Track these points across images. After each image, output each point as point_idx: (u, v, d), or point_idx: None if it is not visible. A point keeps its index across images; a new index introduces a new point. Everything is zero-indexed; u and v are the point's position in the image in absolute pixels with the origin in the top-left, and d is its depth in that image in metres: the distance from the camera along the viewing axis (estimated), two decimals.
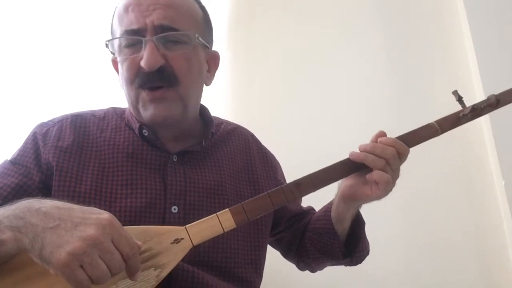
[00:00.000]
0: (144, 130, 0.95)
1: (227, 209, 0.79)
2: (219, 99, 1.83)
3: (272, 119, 1.80)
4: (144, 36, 0.89)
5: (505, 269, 1.52)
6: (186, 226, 0.77)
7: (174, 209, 0.90)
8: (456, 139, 1.64)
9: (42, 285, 0.69)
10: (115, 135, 0.97)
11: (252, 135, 1.15)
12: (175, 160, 0.95)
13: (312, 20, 1.87)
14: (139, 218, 0.87)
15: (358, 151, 0.89)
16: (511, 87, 1.49)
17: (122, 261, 0.64)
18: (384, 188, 0.86)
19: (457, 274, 1.54)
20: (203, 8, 1.02)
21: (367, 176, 0.87)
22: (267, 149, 1.16)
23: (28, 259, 0.67)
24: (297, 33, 1.87)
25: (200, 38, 0.95)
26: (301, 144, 1.72)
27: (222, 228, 0.78)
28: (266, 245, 1.05)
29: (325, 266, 1.11)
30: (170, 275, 0.78)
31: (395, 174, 0.88)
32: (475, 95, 1.59)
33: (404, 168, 1.61)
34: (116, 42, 0.94)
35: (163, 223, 0.88)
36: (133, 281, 0.70)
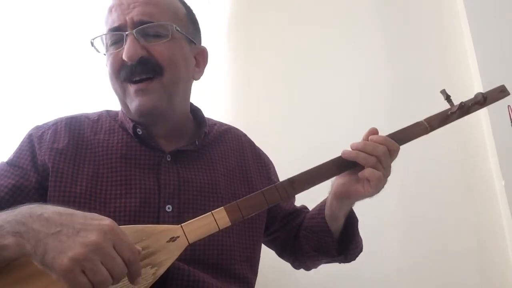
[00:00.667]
0: (138, 129, 0.96)
1: (222, 207, 0.80)
2: (219, 99, 1.84)
3: (272, 118, 1.80)
4: (125, 31, 0.92)
5: (505, 269, 1.51)
6: (181, 224, 0.78)
7: (168, 208, 0.91)
8: (456, 139, 1.64)
9: (38, 285, 0.69)
10: (109, 136, 0.98)
11: (245, 136, 1.17)
12: (168, 159, 0.96)
13: (312, 20, 1.87)
14: (134, 218, 0.88)
15: (350, 150, 0.90)
16: (506, 83, 1.51)
17: (123, 266, 0.65)
18: (376, 185, 0.88)
19: (457, 274, 1.54)
20: (186, 6, 1.04)
21: (359, 174, 0.89)
22: (260, 149, 1.17)
23: (23, 260, 0.68)
24: (297, 33, 1.88)
25: (179, 29, 0.96)
26: (301, 143, 1.73)
27: (218, 226, 0.79)
28: (261, 242, 1.06)
29: (320, 264, 1.12)
30: (166, 273, 0.79)
31: (386, 172, 0.90)
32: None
33: (404, 168, 1.61)
34: (103, 43, 0.98)
35: (158, 222, 0.89)
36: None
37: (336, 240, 1.01)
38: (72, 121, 1.00)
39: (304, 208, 1.17)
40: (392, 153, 0.90)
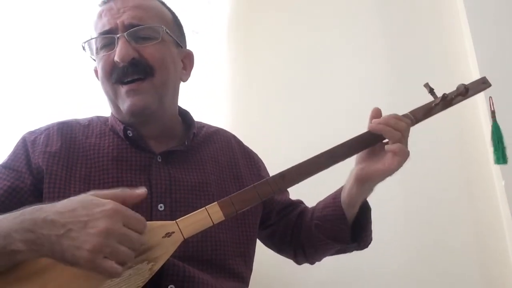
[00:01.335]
0: (128, 131, 0.98)
1: (216, 202, 0.82)
2: (219, 99, 1.84)
3: (272, 118, 1.80)
4: (116, 34, 0.95)
5: (505, 269, 1.51)
6: (176, 220, 0.79)
7: (161, 206, 0.92)
8: (457, 139, 1.64)
9: (38, 283, 0.71)
10: (100, 140, 1.00)
11: (234, 136, 1.19)
12: (159, 160, 0.98)
13: (312, 20, 1.88)
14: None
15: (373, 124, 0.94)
16: (509, 87, 1.51)
17: (138, 236, 0.70)
18: (401, 161, 0.91)
19: (457, 274, 1.54)
20: (171, 12, 1.08)
21: (387, 147, 0.92)
22: (249, 148, 1.20)
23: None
24: (297, 33, 1.88)
25: (168, 32, 1.00)
26: (301, 143, 1.72)
27: (212, 220, 0.80)
28: (255, 238, 1.07)
29: (329, 254, 1.12)
30: (161, 270, 0.80)
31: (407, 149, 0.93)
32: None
33: (404, 168, 1.61)
34: (93, 48, 1.00)
35: (151, 221, 0.89)
36: (127, 275, 0.72)
37: (350, 227, 1.02)
38: (64, 125, 1.02)
39: (300, 202, 1.19)
40: (408, 130, 0.94)
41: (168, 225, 0.78)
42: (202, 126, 1.14)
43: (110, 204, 0.69)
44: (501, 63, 1.60)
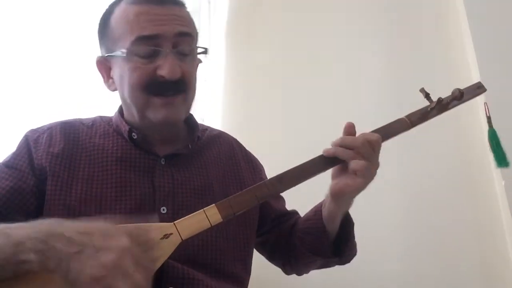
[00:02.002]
0: (133, 133, 0.98)
1: (213, 204, 0.82)
2: (219, 99, 1.84)
3: (271, 119, 1.80)
4: (161, 45, 0.92)
5: (505, 269, 1.51)
6: (174, 222, 0.79)
7: (163, 209, 0.92)
8: (457, 139, 1.64)
9: (37, 284, 0.71)
10: (103, 140, 1.00)
11: (236, 141, 1.19)
12: (163, 163, 0.98)
13: (312, 20, 1.87)
14: (129, 220, 0.88)
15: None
16: (509, 85, 1.50)
17: (141, 280, 0.67)
18: (362, 175, 0.90)
19: (457, 274, 1.54)
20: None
21: (348, 168, 0.91)
22: (250, 153, 1.19)
23: None
24: (297, 33, 1.88)
25: (196, 46, 1.00)
26: (301, 144, 1.72)
27: (210, 222, 0.80)
28: (254, 243, 1.08)
29: (312, 268, 1.12)
30: (160, 271, 0.80)
31: (372, 162, 0.91)
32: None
33: (404, 168, 1.61)
34: (123, 48, 0.94)
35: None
36: None
37: (332, 241, 1.01)
38: (67, 125, 1.01)
39: (295, 212, 1.18)
40: (373, 144, 0.91)
41: (166, 226, 0.78)
42: (205, 128, 1.14)
43: (125, 239, 0.68)
44: (501, 63, 1.60)
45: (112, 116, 1.07)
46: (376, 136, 0.92)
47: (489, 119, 1.03)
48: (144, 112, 0.96)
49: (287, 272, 1.16)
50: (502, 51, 1.62)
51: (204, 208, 0.81)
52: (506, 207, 1.50)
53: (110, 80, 1.02)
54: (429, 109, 0.98)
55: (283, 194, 1.20)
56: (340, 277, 1.54)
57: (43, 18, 1.66)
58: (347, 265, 1.08)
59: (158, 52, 0.92)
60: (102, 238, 0.68)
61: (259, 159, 1.21)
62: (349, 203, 0.98)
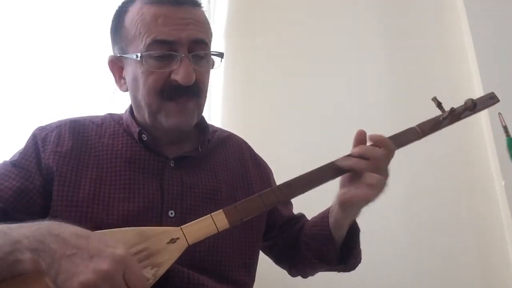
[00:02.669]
0: (143, 135, 0.97)
1: (221, 210, 0.81)
2: (219, 99, 1.84)
3: (272, 119, 1.81)
4: (177, 50, 0.90)
5: (505, 269, 1.51)
6: (181, 226, 0.79)
7: (171, 213, 0.92)
8: (457, 139, 1.64)
9: (37, 286, 0.70)
10: (113, 140, 0.98)
11: (245, 143, 1.18)
12: (172, 165, 0.97)
13: (312, 20, 1.87)
14: (136, 222, 0.88)
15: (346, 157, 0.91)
16: (509, 88, 1.51)
17: None
18: (376, 188, 0.87)
19: (457, 274, 1.54)
20: None
21: (361, 180, 0.88)
22: (259, 156, 1.18)
23: None
24: (297, 33, 1.88)
25: (211, 52, 0.98)
26: (301, 144, 1.73)
27: (216, 228, 0.80)
28: (259, 249, 1.07)
29: (318, 272, 1.11)
30: (166, 275, 0.79)
31: (385, 174, 0.89)
32: (475, 96, 1.58)
33: (404, 169, 1.61)
34: (137, 49, 0.92)
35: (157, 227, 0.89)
36: None
37: (338, 248, 1.00)
38: (76, 124, 1.00)
39: (302, 216, 1.17)
40: (389, 155, 0.90)
41: (173, 231, 0.78)
42: (215, 130, 1.13)
43: (121, 250, 0.67)
44: (501, 63, 1.60)
45: (122, 114, 1.05)
46: (394, 147, 0.90)
47: (505, 128, 1.01)
48: (156, 116, 0.95)
49: (293, 274, 1.16)
50: (502, 51, 1.62)
51: (211, 213, 0.81)
52: (506, 207, 1.51)
53: (122, 80, 1.00)
54: (441, 118, 0.97)
55: None
56: (340, 278, 1.54)
57: (44, 18, 1.65)
58: None
59: (173, 56, 0.91)
60: (97, 244, 0.67)
61: None
62: (357, 212, 0.94)
